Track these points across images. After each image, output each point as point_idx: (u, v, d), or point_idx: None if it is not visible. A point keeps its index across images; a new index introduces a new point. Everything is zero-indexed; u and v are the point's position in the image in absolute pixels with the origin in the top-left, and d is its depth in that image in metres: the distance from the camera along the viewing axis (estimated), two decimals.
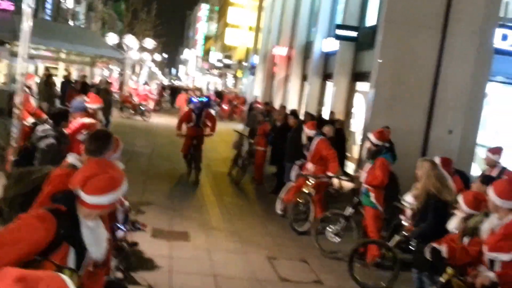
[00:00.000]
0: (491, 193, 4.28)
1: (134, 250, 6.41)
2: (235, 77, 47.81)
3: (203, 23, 75.03)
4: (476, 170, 10.60)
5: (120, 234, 4.57)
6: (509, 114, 12.28)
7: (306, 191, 8.82)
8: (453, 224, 5.03)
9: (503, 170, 7.91)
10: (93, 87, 16.39)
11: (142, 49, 36.29)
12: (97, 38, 28.00)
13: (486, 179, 5.81)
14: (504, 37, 11.55)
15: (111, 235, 3.51)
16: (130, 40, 32.20)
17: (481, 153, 11.16)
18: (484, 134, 11.73)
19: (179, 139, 11.93)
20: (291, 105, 19.73)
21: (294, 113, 12.70)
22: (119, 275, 5.69)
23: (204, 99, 12.31)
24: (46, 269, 2.39)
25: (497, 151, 8.41)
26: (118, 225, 4.45)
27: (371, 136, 7.74)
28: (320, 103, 18.10)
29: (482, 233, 4.51)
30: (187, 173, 11.92)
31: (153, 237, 7.48)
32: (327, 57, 17.85)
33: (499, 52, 11.41)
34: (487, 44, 11.12)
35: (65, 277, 1.83)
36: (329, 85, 17.06)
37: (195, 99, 12.25)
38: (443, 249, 4.75)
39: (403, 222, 6.57)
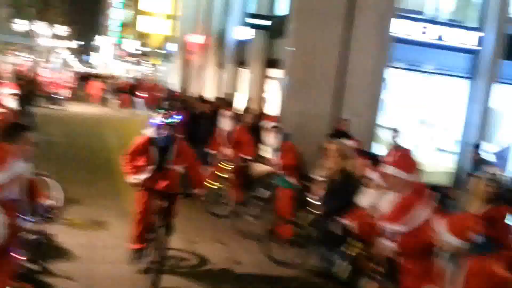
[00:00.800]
0: (391, 168, 4.67)
1: (51, 241, 6.40)
2: (153, 65, 47.01)
3: (115, 9, 73.00)
4: (377, 149, 11.33)
5: (27, 225, 4.57)
6: (408, 98, 13.27)
7: (224, 176, 9.11)
8: (366, 200, 5.37)
9: (400, 148, 8.61)
10: (21, 78, 15.65)
11: (55, 36, 34.76)
12: (5, 25, 26.53)
13: (372, 157, 6.32)
14: (403, 27, 12.52)
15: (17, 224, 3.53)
16: (40, 27, 30.79)
17: (382, 134, 11.99)
18: (385, 116, 12.59)
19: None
20: (208, 92, 19.83)
21: (202, 98, 12.88)
22: (35, 267, 5.70)
23: (177, 119, 6.40)
24: None
25: (396, 131, 9.19)
26: (23, 216, 4.42)
27: (267, 123, 8.23)
28: (236, 90, 18.32)
29: (381, 207, 4.97)
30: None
31: (71, 227, 7.44)
32: (241, 45, 18.05)
33: (399, 40, 12.32)
34: (387, 33, 11.93)
35: None
36: (244, 72, 17.32)
37: (155, 120, 6.25)
38: (354, 225, 5.17)
39: (314, 201, 7.02)
